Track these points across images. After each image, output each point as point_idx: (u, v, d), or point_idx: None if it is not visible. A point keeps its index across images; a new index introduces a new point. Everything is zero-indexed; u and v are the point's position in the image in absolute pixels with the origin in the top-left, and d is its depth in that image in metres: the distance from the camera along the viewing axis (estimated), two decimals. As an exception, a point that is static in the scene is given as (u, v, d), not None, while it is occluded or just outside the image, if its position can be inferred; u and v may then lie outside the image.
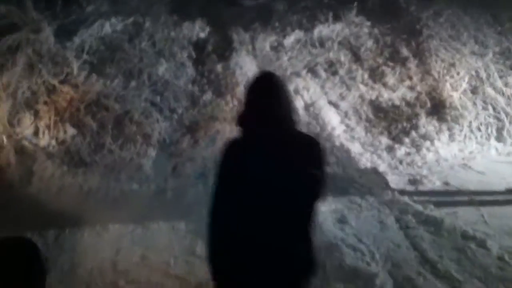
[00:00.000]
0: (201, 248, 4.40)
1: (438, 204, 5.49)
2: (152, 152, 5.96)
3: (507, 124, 7.75)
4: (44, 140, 5.91)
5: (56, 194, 5.44)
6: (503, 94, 8.11)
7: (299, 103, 7.13)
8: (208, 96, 6.73)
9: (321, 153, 2.59)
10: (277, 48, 7.82)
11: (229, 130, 6.44)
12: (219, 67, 7.13)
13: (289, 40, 7.95)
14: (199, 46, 7.36)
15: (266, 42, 7.82)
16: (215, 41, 7.49)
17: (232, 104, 6.69)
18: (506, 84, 8.15)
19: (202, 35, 7.51)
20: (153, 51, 6.92)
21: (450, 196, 5.85)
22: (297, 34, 8.04)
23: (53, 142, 5.94)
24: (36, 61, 6.20)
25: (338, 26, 8.31)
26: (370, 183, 5.78)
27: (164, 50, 7.00)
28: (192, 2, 8.00)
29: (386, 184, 5.88)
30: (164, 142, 6.13)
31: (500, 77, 8.30)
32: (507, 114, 7.87)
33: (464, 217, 5.19)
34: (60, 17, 6.85)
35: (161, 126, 6.24)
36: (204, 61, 7.17)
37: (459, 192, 5.93)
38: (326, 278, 4.06)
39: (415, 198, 5.63)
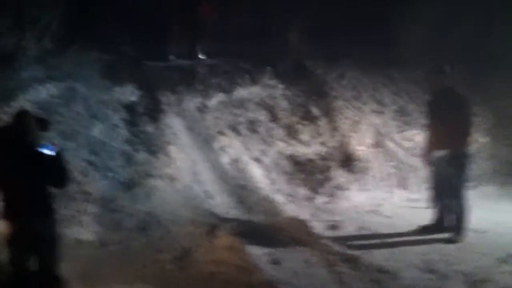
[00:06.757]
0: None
1: (355, 245, 6.28)
2: (93, 209, 6.33)
3: (407, 173, 8.81)
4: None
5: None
6: (402, 147, 9.22)
7: (225, 159, 7.80)
8: (141, 155, 7.22)
9: None
10: (202, 109, 8.49)
11: (163, 186, 6.98)
12: (150, 128, 7.67)
13: (212, 102, 8.66)
14: (130, 108, 7.88)
15: (191, 103, 8.48)
16: (145, 104, 8.04)
17: (164, 161, 7.23)
18: (404, 138, 9.27)
19: (133, 98, 8.04)
20: (88, 114, 7.36)
21: (365, 238, 6.66)
22: (219, 96, 8.77)
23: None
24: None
25: (255, 89, 9.15)
26: (295, 229, 6.44)
27: (98, 113, 7.46)
28: (121, 66, 8.53)
29: (309, 230, 6.58)
30: (104, 199, 6.51)
31: (398, 132, 9.44)
32: (406, 164, 8.94)
33: (379, 255, 5.99)
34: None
35: (99, 184, 6.63)
36: (136, 122, 7.68)
37: (372, 235, 6.77)
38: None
39: (335, 241, 6.36)
